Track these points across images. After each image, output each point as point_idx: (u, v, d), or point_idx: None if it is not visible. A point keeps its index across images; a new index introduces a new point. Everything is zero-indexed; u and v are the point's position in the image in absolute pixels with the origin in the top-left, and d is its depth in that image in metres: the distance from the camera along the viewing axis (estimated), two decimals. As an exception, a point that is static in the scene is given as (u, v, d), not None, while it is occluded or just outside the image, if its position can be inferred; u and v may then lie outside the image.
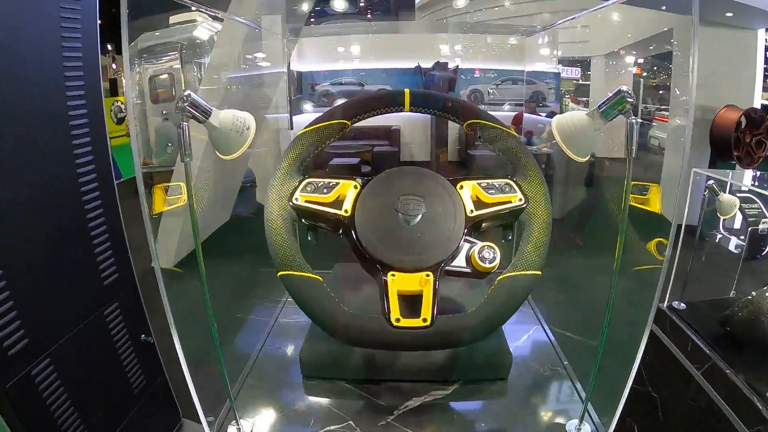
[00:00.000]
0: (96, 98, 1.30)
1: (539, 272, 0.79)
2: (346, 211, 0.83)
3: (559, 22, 1.62)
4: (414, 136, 4.54)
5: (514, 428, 0.89)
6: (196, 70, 4.20)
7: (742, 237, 1.77)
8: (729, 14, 3.67)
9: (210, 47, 3.97)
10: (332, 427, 0.86)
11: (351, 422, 0.87)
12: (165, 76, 4.28)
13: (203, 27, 4.10)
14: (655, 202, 0.91)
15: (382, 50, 4.15)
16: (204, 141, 0.79)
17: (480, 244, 0.80)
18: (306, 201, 0.83)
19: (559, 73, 3.98)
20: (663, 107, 4.25)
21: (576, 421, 0.87)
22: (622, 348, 0.88)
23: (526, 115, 3.41)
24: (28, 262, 1.11)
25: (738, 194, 1.54)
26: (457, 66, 3.99)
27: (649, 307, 1.13)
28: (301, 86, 4.38)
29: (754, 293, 1.24)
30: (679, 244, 1.38)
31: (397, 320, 0.75)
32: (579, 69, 4.12)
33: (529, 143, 3.77)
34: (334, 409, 0.90)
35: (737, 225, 1.84)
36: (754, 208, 1.67)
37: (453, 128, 4.33)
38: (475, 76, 4.59)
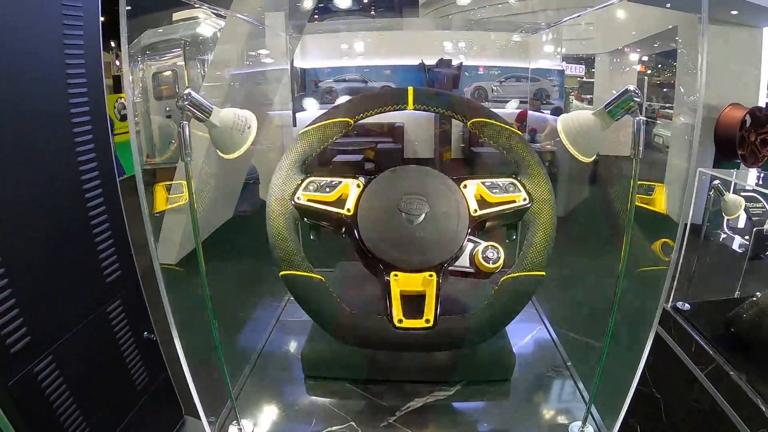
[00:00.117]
0: (98, 96, 1.29)
1: (543, 273, 0.79)
2: (348, 210, 0.82)
3: (565, 19, 1.61)
4: (418, 134, 4.52)
5: (517, 429, 0.89)
6: (200, 67, 4.19)
7: (746, 237, 1.76)
8: (734, 12, 3.65)
9: (213, 44, 3.97)
10: (334, 428, 0.86)
11: (353, 423, 0.87)
12: (168, 73, 4.28)
13: (206, 24, 4.09)
14: (660, 201, 0.90)
15: (385, 47, 4.13)
16: (207, 138, 0.78)
17: (483, 244, 0.79)
18: (308, 200, 0.83)
19: (563, 71, 3.96)
20: (667, 105, 4.23)
21: (579, 423, 0.86)
22: (626, 349, 0.87)
23: (530, 112, 3.40)
24: (30, 260, 1.11)
25: (742, 193, 1.53)
26: (461, 63, 3.97)
27: (654, 308, 1.13)
28: (305, 83, 4.36)
29: (759, 294, 1.23)
30: (684, 244, 1.38)
31: (400, 321, 0.74)
32: (583, 66, 4.10)
33: (533, 141, 3.76)
34: (335, 410, 0.90)
35: (741, 224, 1.83)
36: (758, 208, 1.66)
37: (457, 125, 4.31)
38: (479, 73, 4.57)
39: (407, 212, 0.80)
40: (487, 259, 0.77)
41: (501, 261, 0.77)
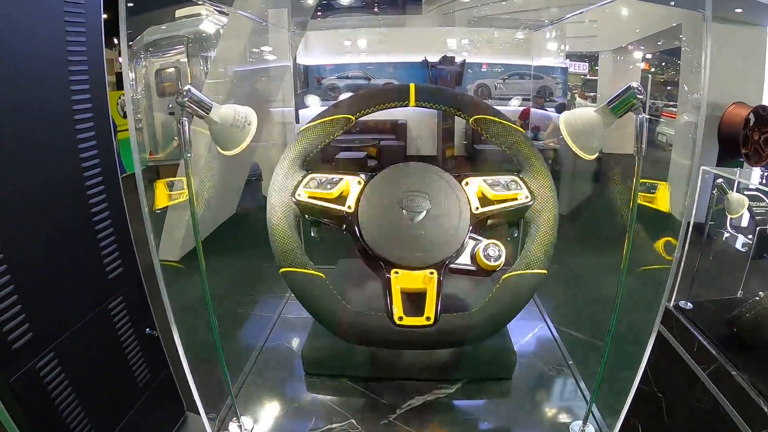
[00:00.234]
0: (101, 93, 1.29)
1: (545, 271, 0.78)
2: (349, 207, 0.82)
3: (568, 16, 1.61)
4: (420, 131, 4.53)
5: (518, 428, 0.88)
6: (203, 64, 4.19)
7: (750, 236, 1.76)
8: (738, 10, 3.64)
9: (216, 41, 3.96)
10: (334, 426, 0.86)
11: (353, 420, 0.87)
12: (171, 69, 4.27)
13: (209, 21, 4.08)
14: (663, 200, 0.90)
15: (388, 44, 4.13)
16: (209, 135, 0.78)
17: (485, 241, 0.79)
18: (309, 197, 0.83)
19: (566, 68, 3.95)
20: (671, 103, 4.22)
21: (580, 422, 0.86)
22: (627, 348, 0.87)
23: (533, 110, 3.39)
24: (32, 256, 1.11)
25: (745, 192, 1.52)
26: (464, 60, 3.97)
27: (656, 306, 1.12)
28: (308, 80, 4.37)
29: (761, 294, 1.22)
30: (686, 243, 1.37)
31: (400, 319, 0.74)
32: (586, 64, 4.09)
33: (536, 138, 3.75)
34: (336, 407, 0.90)
35: (744, 223, 1.83)
36: (761, 207, 1.65)
37: (459, 122, 4.31)
38: (482, 70, 4.56)
39: (408, 209, 0.80)
40: (488, 256, 0.77)
41: (502, 259, 0.77)
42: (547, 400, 0.95)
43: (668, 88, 4.28)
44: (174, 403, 1.69)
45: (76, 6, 1.20)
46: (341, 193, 0.84)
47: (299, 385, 0.98)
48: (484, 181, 0.84)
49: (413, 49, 3.96)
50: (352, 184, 0.84)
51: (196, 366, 0.86)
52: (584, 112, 0.74)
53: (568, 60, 3.91)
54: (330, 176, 0.85)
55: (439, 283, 0.76)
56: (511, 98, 4.41)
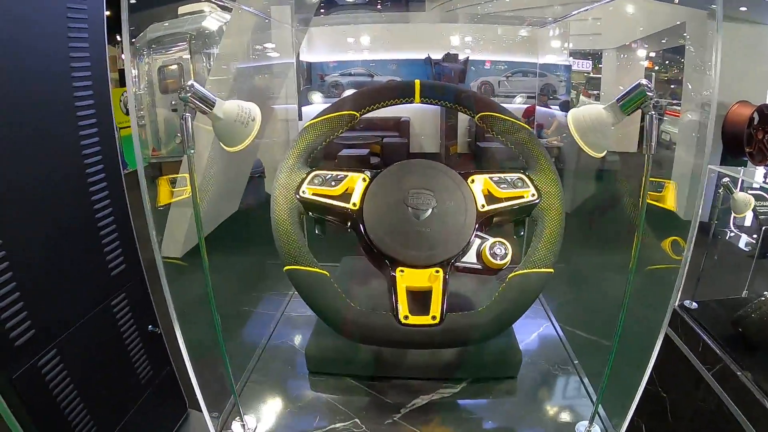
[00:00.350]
0: (103, 90, 1.29)
1: (551, 270, 0.78)
2: (354, 204, 0.81)
3: (574, 12, 1.60)
4: (424, 128, 4.51)
5: (523, 428, 0.88)
6: (205, 61, 4.18)
7: (754, 236, 1.75)
8: (743, 9, 3.62)
9: (219, 37, 3.96)
10: (338, 425, 0.85)
11: (357, 420, 0.86)
12: (174, 66, 4.27)
13: (212, 17, 4.08)
14: (670, 199, 0.89)
15: (391, 41, 4.12)
16: (211, 131, 0.78)
17: (491, 239, 0.78)
18: (313, 194, 0.82)
19: (570, 66, 3.94)
20: (674, 102, 4.20)
21: (586, 423, 0.85)
22: (633, 348, 0.86)
23: (538, 107, 3.38)
24: (34, 253, 1.11)
25: (749, 192, 1.51)
26: (467, 57, 3.95)
27: (663, 307, 1.11)
28: (311, 77, 4.35)
29: (767, 294, 1.22)
30: (689, 242, 1.36)
31: (406, 318, 0.73)
32: (590, 62, 4.07)
33: (539, 136, 3.74)
34: (340, 406, 0.89)
35: (748, 223, 1.82)
36: (765, 206, 1.64)
37: (463, 120, 4.30)
38: (486, 67, 4.55)
39: (414, 207, 0.79)
40: (494, 255, 0.76)
41: (509, 257, 0.76)
42: (553, 400, 0.95)
43: (672, 86, 4.26)
44: (176, 401, 1.69)
45: (79, 3, 1.19)
46: (346, 190, 0.83)
47: (303, 383, 0.98)
48: (490, 178, 0.84)
49: (416, 46, 3.94)
50: (356, 181, 0.83)
51: (199, 364, 0.85)
52: (593, 110, 0.73)
53: (571, 58, 3.90)
54: (334, 173, 0.84)
55: (445, 282, 0.75)
56: (515, 96, 4.40)
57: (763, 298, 1.21)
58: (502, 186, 0.83)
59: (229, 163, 2.79)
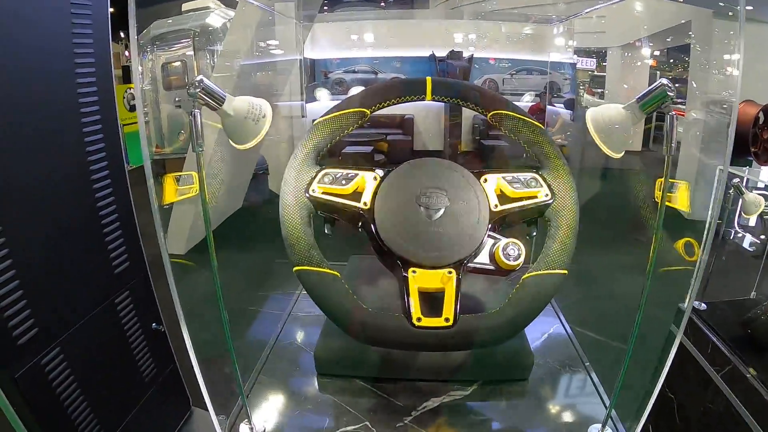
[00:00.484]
0: (107, 87, 1.28)
1: (566, 271, 0.76)
2: (365, 203, 0.80)
3: (587, 10, 1.58)
4: (428, 125, 4.51)
5: (536, 431, 0.87)
6: (209, 58, 4.18)
7: (762, 236, 1.74)
8: (749, 8, 3.60)
9: (223, 34, 3.95)
10: (348, 428, 0.84)
11: (367, 423, 0.85)
12: (178, 63, 4.26)
13: (216, 14, 4.07)
14: (683, 199, 0.88)
15: (395, 38, 4.11)
16: (216, 127, 0.76)
17: (504, 240, 0.77)
18: (323, 192, 0.80)
19: (575, 64, 3.93)
20: (679, 101, 4.19)
21: (599, 426, 0.84)
22: (642, 348, 0.85)
23: (547, 106, 3.37)
24: (37, 251, 1.10)
25: (754, 191, 1.50)
26: (472, 55, 3.93)
27: (671, 308, 1.10)
28: (314, 74, 4.35)
29: (777, 295, 1.21)
30: (704, 243, 1.35)
31: (419, 320, 0.72)
32: (594, 60, 4.06)
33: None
34: (349, 409, 0.88)
35: (752, 223, 1.81)
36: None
37: (467, 117, 4.29)
38: (490, 63, 4.54)
39: (426, 207, 0.78)
40: (507, 256, 0.75)
41: (522, 258, 0.75)
42: (564, 402, 0.93)
43: (676, 85, 4.24)
44: (180, 398, 1.68)
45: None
46: (356, 188, 0.81)
47: (311, 385, 0.96)
48: (503, 177, 0.82)
49: (420, 43, 3.93)
50: (367, 180, 0.82)
51: (204, 363, 0.84)
52: (612, 109, 0.72)
53: (576, 56, 3.88)
54: (345, 171, 0.82)
55: (458, 283, 0.74)
56: (521, 94, 4.39)
57: (774, 300, 1.20)
58: (515, 185, 0.81)
59: (233, 160, 2.78)
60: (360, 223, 0.81)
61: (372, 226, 0.78)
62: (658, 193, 0.73)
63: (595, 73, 4.11)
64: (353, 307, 0.74)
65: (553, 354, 1.05)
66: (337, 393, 0.92)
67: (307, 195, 0.80)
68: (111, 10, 1.28)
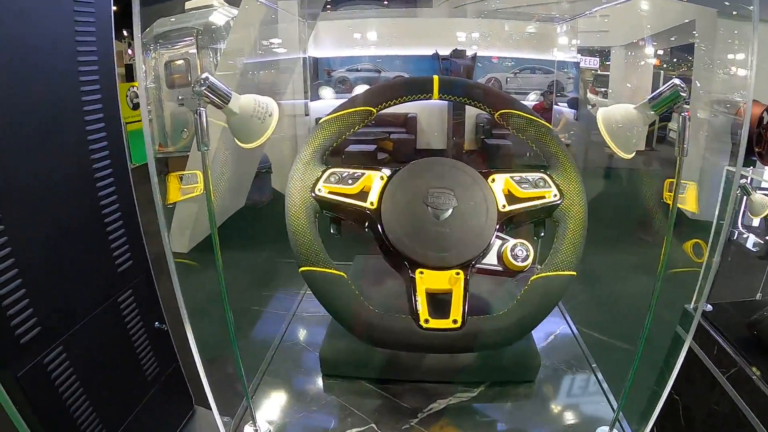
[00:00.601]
0: (110, 85, 1.27)
1: (574, 272, 0.76)
2: (371, 203, 0.79)
3: (595, 9, 1.57)
4: (431, 124, 4.50)
5: None
6: (212, 56, 4.17)
7: (767, 237, 1.73)
8: (751, 8, 3.57)
9: (226, 33, 3.94)
10: (354, 430, 0.83)
11: (374, 425, 0.84)
12: (181, 61, 4.25)
13: (219, 12, 4.07)
14: (692, 200, 0.87)
15: (399, 37, 4.11)
16: (219, 126, 0.75)
17: (512, 241, 0.76)
18: (330, 192, 0.80)
19: (578, 63, 3.92)
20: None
21: (606, 428, 0.83)
22: (652, 350, 0.84)
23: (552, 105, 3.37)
24: (40, 250, 1.09)
25: (757, 191, 1.50)
26: (475, 54, 3.93)
27: (679, 307, 1.09)
28: (318, 72, 4.34)
29: (783, 296, 1.20)
30: (710, 243, 1.34)
31: (426, 321, 0.71)
32: (597, 59, 4.06)
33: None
34: (355, 410, 0.87)
35: (756, 223, 1.80)
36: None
37: (470, 116, 4.29)
38: (493, 61, 4.53)
39: (434, 207, 0.77)
40: (516, 256, 0.74)
41: (530, 259, 0.74)
42: (571, 404, 0.93)
43: (680, 84, 4.22)
44: (182, 397, 1.68)
45: (86, -4, 1.18)
46: (363, 188, 0.80)
47: (316, 386, 0.95)
48: (511, 178, 0.81)
49: (424, 42, 3.93)
50: (374, 179, 0.81)
51: (207, 362, 0.83)
52: (623, 109, 0.71)
53: (579, 55, 3.88)
54: (351, 171, 0.81)
55: (466, 284, 0.73)
56: (526, 93, 4.39)
57: (781, 301, 1.19)
58: (523, 186, 0.81)
59: (237, 158, 2.78)
60: (366, 223, 0.80)
61: (379, 226, 0.77)
62: (666, 194, 0.73)
63: (599, 72, 4.11)
64: (360, 309, 0.73)
65: (559, 355, 1.04)
66: (343, 394, 0.92)
67: (313, 194, 0.79)
68: (114, 8, 1.27)
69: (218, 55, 4.09)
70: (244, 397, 0.86)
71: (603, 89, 4.11)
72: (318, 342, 0.99)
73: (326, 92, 4.24)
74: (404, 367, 0.94)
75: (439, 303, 0.73)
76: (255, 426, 0.83)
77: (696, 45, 3.62)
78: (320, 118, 0.86)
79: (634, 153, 0.73)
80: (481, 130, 4.34)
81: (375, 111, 0.84)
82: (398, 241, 0.76)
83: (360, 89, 0.88)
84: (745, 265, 1.74)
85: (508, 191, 0.81)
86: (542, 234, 0.84)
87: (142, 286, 1.43)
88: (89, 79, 1.21)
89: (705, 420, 1.33)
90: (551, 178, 0.82)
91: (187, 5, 4.01)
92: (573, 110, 3.99)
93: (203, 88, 0.67)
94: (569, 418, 0.89)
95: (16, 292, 1.02)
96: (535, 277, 0.75)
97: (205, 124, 0.67)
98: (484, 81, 4.47)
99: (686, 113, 0.64)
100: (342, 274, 0.75)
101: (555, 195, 0.80)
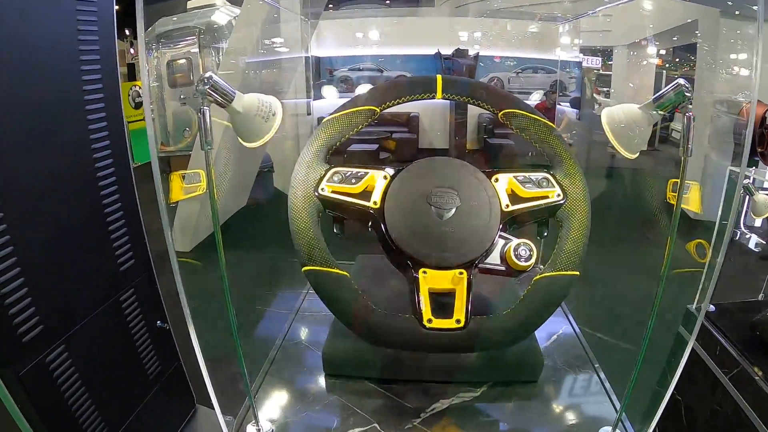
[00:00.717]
0: (113, 84, 1.27)
1: (578, 272, 0.75)
2: (375, 203, 0.79)
3: (598, 9, 1.57)
4: (433, 123, 4.50)
5: None
6: (214, 55, 4.17)
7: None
8: (755, 7, 3.57)
9: (228, 32, 3.95)
10: (356, 430, 0.83)
11: (376, 425, 0.84)
12: (183, 60, 4.25)
13: (222, 11, 4.07)
14: (695, 200, 0.87)
15: (401, 36, 4.10)
16: (221, 125, 0.75)
17: (516, 240, 0.76)
18: (333, 191, 0.80)
19: (581, 63, 3.92)
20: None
21: (609, 428, 0.83)
22: (654, 351, 0.84)
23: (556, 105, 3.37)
24: (42, 249, 1.09)
25: (760, 191, 1.49)
26: (477, 53, 3.93)
27: (682, 307, 1.09)
28: (320, 71, 4.34)
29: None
30: (712, 244, 1.34)
31: (429, 321, 0.71)
32: (599, 59, 4.05)
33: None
34: (358, 410, 0.87)
35: (758, 223, 1.80)
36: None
37: (472, 116, 4.28)
38: (495, 61, 4.53)
39: (437, 206, 0.77)
40: (519, 256, 0.74)
41: (534, 259, 0.74)
42: (574, 405, 0.92)
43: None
44: (184, 396, 1.68)
45: (89, -5, 1.18)
46: (366, 187, 0.80)
47: (319, 386, 0.95)
48: (515, 177, 0.81)
49: (425, 41, 3.93)
50: (377, 179, 0.81)
51: (209, 361, 0.83)
52: (628, 109, 0.71)
53: (581, 54, 3.87)
54: (354, 170, 0.81)
55: (469, 284, 0.73)
56: (529, 92, 4.38)
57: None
58: (527, 185, 0.81)
59: (239, 157, 2.78)
60: (369, 223, 0.80)
61: (382, 225, 0.77)
62: (670, 194, 0.73)
63: (601, 71, 4.10)
64: (363, 308, 0.73)
65: (561, 355, 1.04)
66: (345, 394, 0.92)
67: (316, 194, 0.79)
68: (116, 7, 1.27)
69: (220, 54, 4.09)
70: (245, 396, 0.86)
71: (605, 89, 4.11)
72: (321, 341, 0.99)
73: (329, 91, 4.23)
74: (407, 367, 0.94)
75: (442, 303, 0.73)
76: (257, 425, 0.83)
77: (699, 45, 3.61)
78: (323, 117, 0.86)
79: (638, 153, 0.73)
80: (483, 129, 4.34)
81: (379, 110, 0.84)
82: (401, 240, 0.76)
83: (362, 88, 0.88)
84: (747, 265, 1.73)
85: (512, 191, 0.81)
86: (545, 234, 0.84)
87: (144, 285, 1.43)
88: (91, 78, 1.21)
89: (707, 420, 1.33)
90: (554, 177, 0.81)
91: (189, 4, 4.01)
92: (575, 110, 3.99)
93: (207, 86, 0.67)
94: (572, 418, 0.89)
95: (18, 291, 1.02)
96: (538, 276, 0.75)
97: (208, 123, 0.67)
98: (486, 80, 4.46)
99: (690, 113, 0.63)
100: (345, 273, 0.75)
101: (558, 195, 0.80)
